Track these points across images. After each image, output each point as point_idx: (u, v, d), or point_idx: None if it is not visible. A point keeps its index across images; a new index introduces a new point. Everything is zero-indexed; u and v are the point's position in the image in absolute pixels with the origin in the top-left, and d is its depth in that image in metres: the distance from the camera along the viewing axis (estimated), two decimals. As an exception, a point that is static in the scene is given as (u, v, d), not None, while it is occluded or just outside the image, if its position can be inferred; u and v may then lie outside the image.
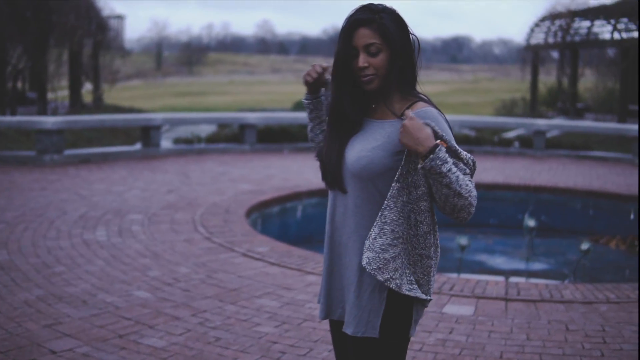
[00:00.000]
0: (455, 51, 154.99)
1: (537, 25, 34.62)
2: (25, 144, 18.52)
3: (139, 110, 31.72)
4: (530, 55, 36.03)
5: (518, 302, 6.73)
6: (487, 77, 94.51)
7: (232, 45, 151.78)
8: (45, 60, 25.80)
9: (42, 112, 25.28)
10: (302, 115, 19.06)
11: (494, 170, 15.36)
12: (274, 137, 18.44)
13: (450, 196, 2.86)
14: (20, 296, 6.63)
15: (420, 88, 3.18)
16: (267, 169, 14.69)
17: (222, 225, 9.58)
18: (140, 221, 9.72)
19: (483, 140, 19.69)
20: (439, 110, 3.05)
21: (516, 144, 19.54)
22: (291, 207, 11.89)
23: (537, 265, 11.16)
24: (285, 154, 17.80)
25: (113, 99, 35.69)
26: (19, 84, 29.01)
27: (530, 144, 18.97)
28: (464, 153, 2.94)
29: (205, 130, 21.82)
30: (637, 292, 7.06)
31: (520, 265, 11.17)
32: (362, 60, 3.03)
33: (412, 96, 3.09)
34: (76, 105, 29.15)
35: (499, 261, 11.35)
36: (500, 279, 8.29)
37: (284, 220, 11.68)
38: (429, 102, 3.06)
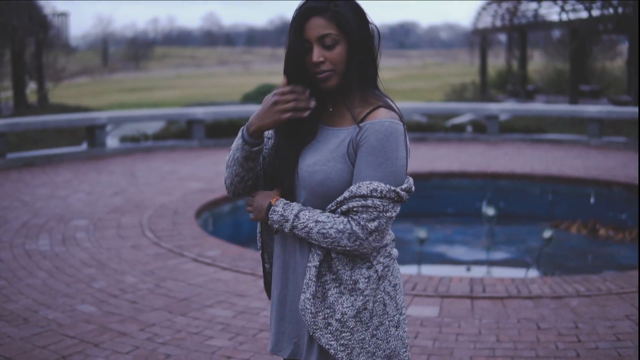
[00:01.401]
0: (402, 37, 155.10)
1: (483, 8, 34.48)
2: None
3: (85, 109, 31.00)
4: (478, 39, 35.94)
5: (484, 300, 6.41)
6: (436, 62, 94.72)
7: (179, 39, 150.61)
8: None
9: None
10: (252, 109, 18.66)
11: (449, 157, 15.07)
12: (223, 132, 17.94)
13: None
14: (-45, 316, 6.19)
15: (382, 85, 2.80)
16: (217, 166, 14.22)
17: (171, 229, 9.16)
18: (85, 227, 9.26)
19: (436, 126, 19.39)
20: (400, 117, 2.67)
21: (469, 128, 19.28)
22: (243, 205, 11.46)
23: (498, 255, 10.92)
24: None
25: (59, 98, 34.94)
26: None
27: (483, 129, 18.72)
28: (380, 186, 2.56)
29: (154, 127, 21.31)
30: (607, 284, 6.77)
31: (482, 255, 10.92)
32: (317, 54, 2.64)
33: (374, 98, 2.70)
34: (21, 105, 28.43)
35: (459, 252, 11.07)
36: (465, 274, 7.98)
37: (235, 219, 11.27)
38: (390, 107, 2.67)
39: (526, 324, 5.85)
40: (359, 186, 2.56)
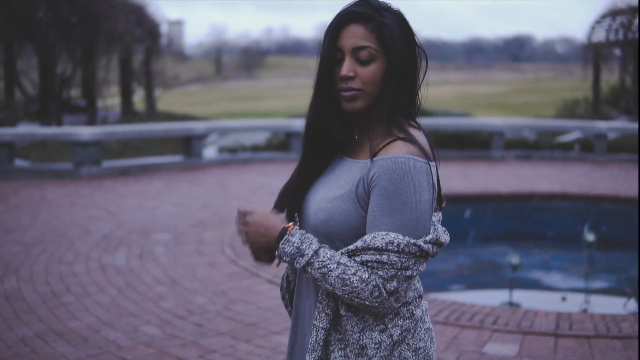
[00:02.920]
0: (516, 50, 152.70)
1: (597, 22, 33.41)
2: (68, 156, 18.08)
3: (192, 117, 31.15)
4: (592, 54, 34.87)
5: (570, 339, 5.91)
6: (550, 76, 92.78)
7: (292, 49, 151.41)
8: (93, 67, 25.44)
9: (92, 120, 24.94)
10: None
11: (552, 177, 14.43)
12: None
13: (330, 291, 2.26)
14: (18, 332, 6.04)
15: (418, 120, 2.43)
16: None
17: (252, 246, 8.87)
18: (165, 242, 9.08)
19: (542, 144, 18.73)
20: (426, 156, 2.26)
21: (576, 147, 18.55)
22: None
23: (597, 283, 10.31)
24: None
25: (170, 105, 35.35)
26: (68, 92, 28.72)
27: (591, 148, 17.97)
28: (398, 239, 2.17)
29: (258, 137, 21.14)
30: None
31: (579, 283, 10.33)
32: (347, 67, 2.28)
33: (397, 129, 2.29)
34: (127, 112, 28.78)
35: (555, 279, 10.51)
36: (552, 308, 7.48)
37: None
38: (411, 140, 2.25)
39: (612, 368, 5.37)
40: (374, 237, 2.18)
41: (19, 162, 15.69)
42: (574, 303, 8.93)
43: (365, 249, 2.18)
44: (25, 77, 27.03)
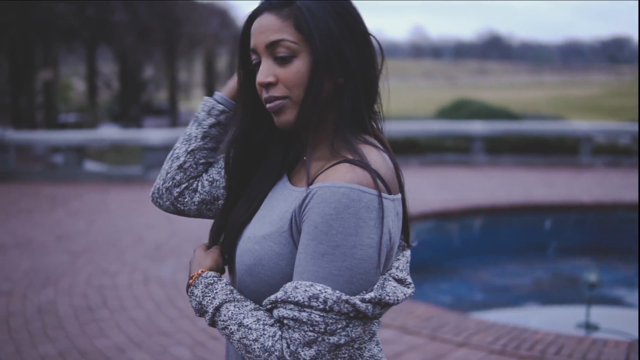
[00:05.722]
0: (614, 52, 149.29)
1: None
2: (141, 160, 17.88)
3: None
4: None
5: (640, 374, 5.25)
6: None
7: (386, 51, 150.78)
8: (174, 70, 25.31)
9: (174, 123, 24.85)
10: (432, 127, 17.74)
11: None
12: (399, 150, 17.09)
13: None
14: (40, 350, 5.64)
15: (384, 128, 1.89)
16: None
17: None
18: (217, 252, 8.62)
19: (634, 149, 17.77)
20: (382, 185, 1.68)
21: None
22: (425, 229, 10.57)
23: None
24: (411, 168, 16.43)
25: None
26: (149, 95, 28.71)
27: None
28: (325, 293, 1.59)
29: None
30: None
31: (665, 302, 9.56)
32: (263, 71, 1.74)
33: (346, 147, 1.73)
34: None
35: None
36: (623, 338, 6.77)
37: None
38: (360, 163, 1.67)
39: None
40: (296, 287, 1.62)
41: (91, 166, 15.53)
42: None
43: (285, 302, 1.63)
44: (106, 80, 27.09)
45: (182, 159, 2.02)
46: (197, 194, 2.04)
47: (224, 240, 1.94)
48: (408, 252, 1.92)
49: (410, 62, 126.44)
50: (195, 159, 2.02)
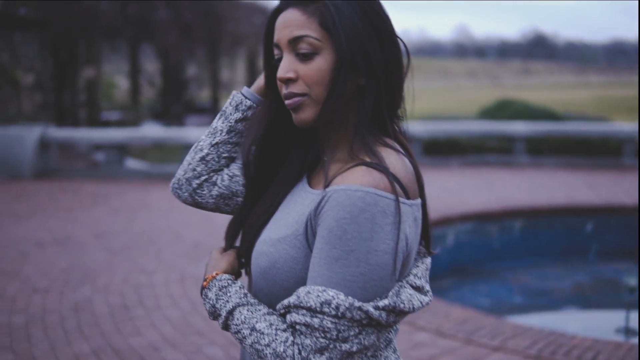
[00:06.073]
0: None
1: None
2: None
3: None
4: None
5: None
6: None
7: (430, 50, 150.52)
8: (216, 68, 25.38)
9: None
10: (474, 127, 17.60)
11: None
12: (440, 150, 16.98)
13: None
14: (74, 348, 5.67)
15: (404, 132, 1.84)
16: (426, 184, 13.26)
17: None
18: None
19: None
20: (400, 190, 1.64)
21: None
22: (440, 234, 10.47)
23: None
24: (452, 168, 16.31)
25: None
26: (191, 93, 28.81)
27: None
28: (338, 299, 1.56)
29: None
30: None
31: None
32: (284, 66, 1.72)
33: (364, 149, 1.70)
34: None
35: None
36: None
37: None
38: (378, 167, 1.63)
39: None
40: (309, 292, 1.59)
41: (132, 164, 15.61)
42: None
43: (297, 307, 1.61)
44: (149, 78, 27.24)
45: (205, 151, 2.00)
46: (216, 188, 2.02)
47: (242, 242, 1.92)
48: (428, 260, 1.88)
49: (454, 62, 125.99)
50: (219, 152, 2.00)
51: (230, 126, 1.99)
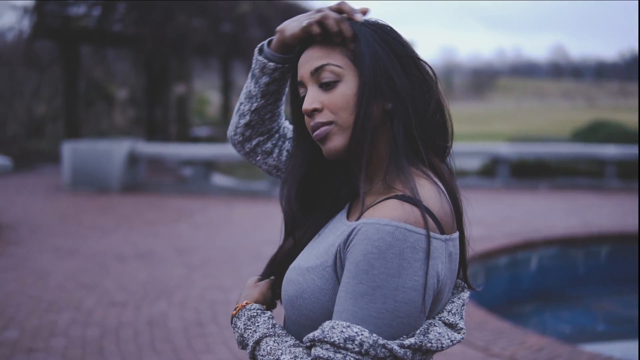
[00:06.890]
0: None
1: None
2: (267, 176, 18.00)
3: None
4: None
5: None
6: None
7: (526, 70, 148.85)
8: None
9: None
10: (564, 150, 17.27)
11: None
12: (529, 172, 16.70)
13: None
14: (144, 364, 5.70)
15: (447, 159, 1.82)
16: (510, 209, 13.08)
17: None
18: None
19: None
20: (434, 225, 1.59)
21: None
22: (523, 258, 10.26)
23: None
24: (540, 191, 16.02)
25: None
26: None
27: None
28: (362, 336, 1.52)
29: (474, 163, 20.16)
30: None
31: None
32: (309, 99, 1.70)
33: (400, 180, 1.65)
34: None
35: None
36: None
37: (512, 272, 10.09)
38: (414, 203, 1.58)
39: None
40: (333, 327, 1.55)
41: (219, 180, 15.74)
42: None
43: (322, 341, 1.56)
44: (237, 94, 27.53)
45: (247, 117, 1.99)
46: (271, 159, 2.04)
47: (276, 272, 1.91)
48: (466, 294, 1.81)
49: (549, 82, 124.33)
50: (260, 116, 1.99)
51: (262, 90, 1.95)
